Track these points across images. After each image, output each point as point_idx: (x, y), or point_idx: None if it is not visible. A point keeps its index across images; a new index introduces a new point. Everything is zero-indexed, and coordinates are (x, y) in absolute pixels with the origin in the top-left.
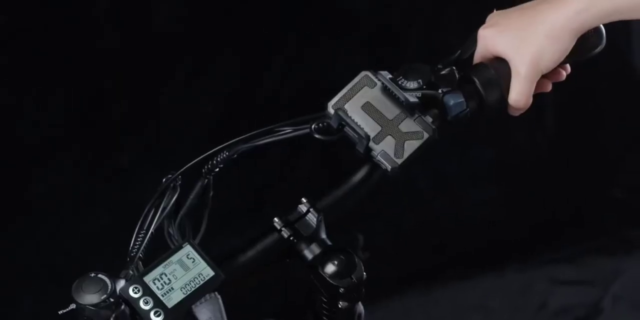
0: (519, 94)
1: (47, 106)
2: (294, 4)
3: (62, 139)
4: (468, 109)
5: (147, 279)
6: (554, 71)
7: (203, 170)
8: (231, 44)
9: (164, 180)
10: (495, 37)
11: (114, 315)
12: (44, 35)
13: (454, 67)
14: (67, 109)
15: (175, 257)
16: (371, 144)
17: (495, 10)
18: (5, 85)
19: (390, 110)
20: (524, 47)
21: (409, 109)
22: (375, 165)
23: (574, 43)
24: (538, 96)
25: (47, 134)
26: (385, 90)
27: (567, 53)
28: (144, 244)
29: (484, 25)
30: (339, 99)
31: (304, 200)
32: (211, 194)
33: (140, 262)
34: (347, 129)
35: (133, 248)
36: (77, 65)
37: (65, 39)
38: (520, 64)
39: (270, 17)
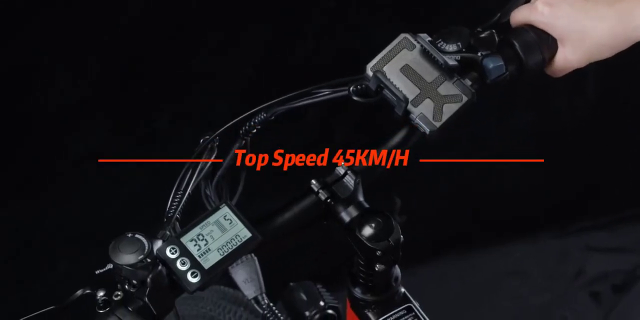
0: (560, 71)
1: (84, 69)
2: None
3: (98, 101)
4: (507, 73)
5: (184, 239)
6: None
7: (240, 132)
8: (264, 9)
9: (201, 141)
10: (553, 19)
11: (150, 276)
12: (81, 2)
13: (494, 31)
14: (103, 72)
15: (212, 218)
16: (410, 106)
17: None
18: (41, 48)
19: (429, 73)
20: (581, 44)
21: (448, 72)
22: (414, 128)
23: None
24: None
25: (83, 96)
26: (424, 52)
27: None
28: (181, 205)
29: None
30: (377, 61)
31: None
32: (248, 155)
33: (178, 223)
34: (385, 91)
35: (170, 209)
36: (114, 30)
37: (102, 5)
38: (572, 54)
39: None
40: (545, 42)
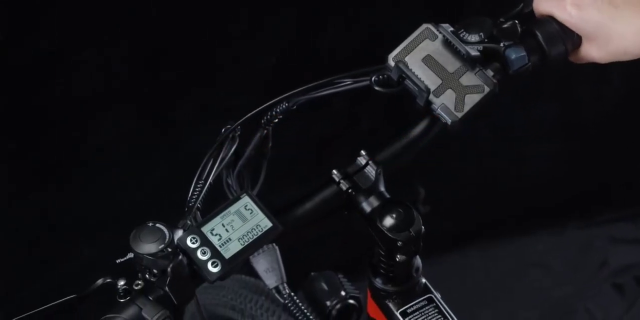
0: (582, 61)
1: (107, 59)
2: None
3: (120, 90)
4: (530, 63)
5: (205, 229)
6: None
7: (262, 121)
8: None
9: (223, 130)
10: (580, 21)
11: (171, 265)
12: None
13: (516, 21)
14: (126, 61)
15: (233, 208)
16: (431, 97)
17: None
18: (62, 38)
19: (451, 64)
20: (606, 46)
21: (470, 63)
22: (435, 119)
23: None
24: None
25: (105, 85)
26: (446, 43)
27: None
28: (202, 194)
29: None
30: (399, 51)
31: (363, 152)
32: (270, 145)
33: (199, 213)
34: (407, 81)
35: (191, 198)
36: (138, 19)
37: None
38: (595, 52)
39: None
40: (570, 37)
